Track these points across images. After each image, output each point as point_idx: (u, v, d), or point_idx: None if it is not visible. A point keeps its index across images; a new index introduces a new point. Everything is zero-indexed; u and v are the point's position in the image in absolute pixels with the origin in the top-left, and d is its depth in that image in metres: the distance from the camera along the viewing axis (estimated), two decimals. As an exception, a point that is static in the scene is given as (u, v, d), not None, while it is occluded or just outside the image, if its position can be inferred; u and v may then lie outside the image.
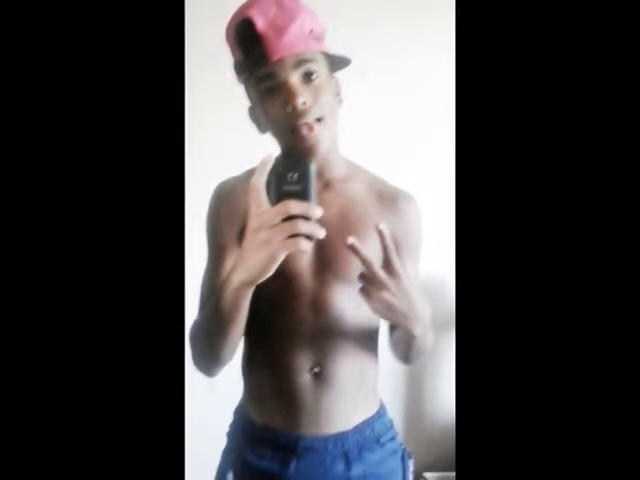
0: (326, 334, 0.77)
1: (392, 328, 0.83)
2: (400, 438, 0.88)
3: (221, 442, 0.89)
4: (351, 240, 0.61)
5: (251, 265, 0.57)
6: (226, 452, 0.87)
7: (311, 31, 0.70)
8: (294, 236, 0.54)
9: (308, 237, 0.55)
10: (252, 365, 0.83)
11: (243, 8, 0.70)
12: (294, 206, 0.54)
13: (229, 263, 0.77)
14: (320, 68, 0.71)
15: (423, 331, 0.71)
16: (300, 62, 0.69)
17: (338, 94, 0.77)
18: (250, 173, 0.61)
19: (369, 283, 0.64)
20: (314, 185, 0.56)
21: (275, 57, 0.67)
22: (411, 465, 0.87)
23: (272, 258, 0.55)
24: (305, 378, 0.77)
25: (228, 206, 0.80)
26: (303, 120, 0.69)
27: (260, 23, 0.67)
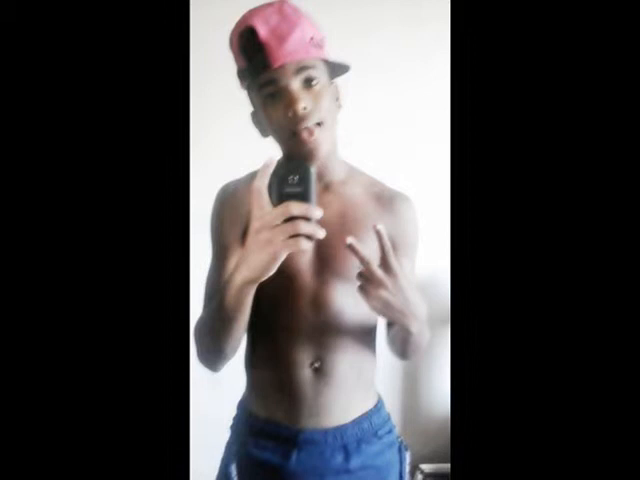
0: (326, 330, 0.78)
1: (389, 325, 0.84)
2: (397, 431, 0.89)
3: (225, 435, 0.90)
4: (350, 240, 0.62)
5: (253, 264, 0.58)
6: (229, 444, 0.89)
7: (311, 39, 0.71)
8: (295, 236, 0.55)
9: (308, 237, 0.56)
10: (255, 360, 0.84)
11: (246, 17, 0.71)
12: (295, 207, 0.56)
13: (232, 262, 0.77)
14: (320, 74, 0.72)
15: (419, 327, 0.72)
16: (301, 69, 0.70)
17: (337, 99, 0.77)
18: (252, 176, 0.62)
19: (367, 281, 0.65)
20: (314, 187, 0.57)
21: (277, 64, 0.68)
22: (408, 457, 0.88)
23: (274, 257, 0.57)
24: (306, 373, 0.78)
25: (231, 207, 0.81)
26: (304, 125, 0.70)
27: (262, 31, 0.68)
